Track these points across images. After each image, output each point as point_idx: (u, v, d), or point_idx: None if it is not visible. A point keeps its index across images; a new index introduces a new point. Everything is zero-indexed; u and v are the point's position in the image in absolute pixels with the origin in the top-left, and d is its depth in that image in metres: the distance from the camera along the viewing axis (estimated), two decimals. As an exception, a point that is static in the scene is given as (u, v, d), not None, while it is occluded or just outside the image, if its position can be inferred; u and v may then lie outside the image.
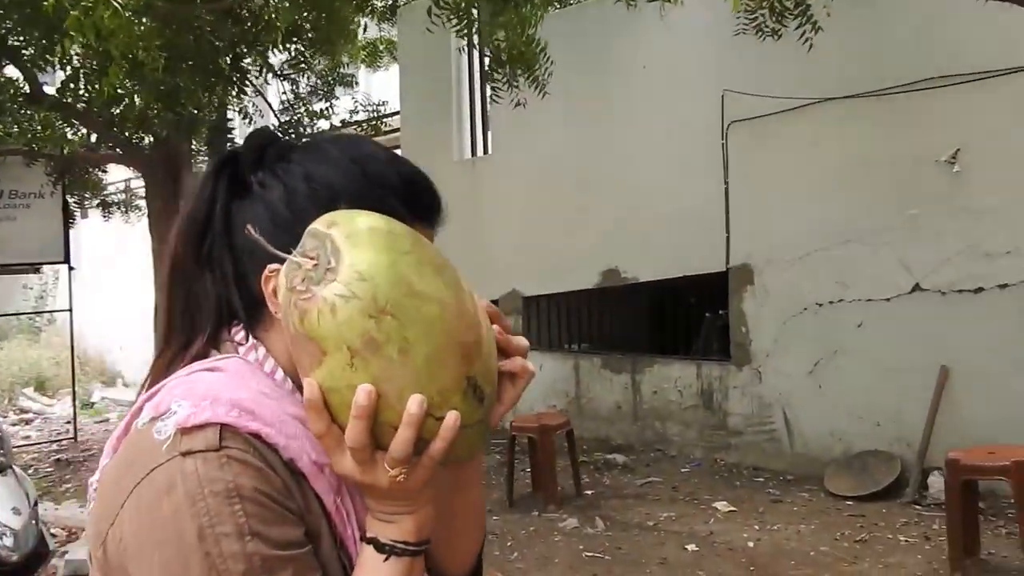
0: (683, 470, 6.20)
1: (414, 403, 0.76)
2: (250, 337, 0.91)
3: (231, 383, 0.85)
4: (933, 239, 5.17)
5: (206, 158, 8.04)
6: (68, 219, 8.52)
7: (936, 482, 5.03)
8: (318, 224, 0.80)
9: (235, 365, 0.89)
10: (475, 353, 0.81)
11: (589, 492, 5.78)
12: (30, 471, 6.78)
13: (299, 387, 0.85)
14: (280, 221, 0.90)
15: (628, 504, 5.51)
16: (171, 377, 0.88)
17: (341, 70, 8.49)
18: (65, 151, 7.49)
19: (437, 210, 0.96)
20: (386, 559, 0.84)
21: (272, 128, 1.36)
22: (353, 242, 0.78)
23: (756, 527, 4.87)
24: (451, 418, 0.78)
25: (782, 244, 5.84)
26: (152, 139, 7.12)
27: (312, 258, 0.78)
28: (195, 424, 0.80)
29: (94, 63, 5.59)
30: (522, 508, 5.50)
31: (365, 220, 0.81)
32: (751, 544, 4.62)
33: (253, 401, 0.83)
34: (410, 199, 0.93)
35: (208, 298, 0.93)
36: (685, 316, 7.62)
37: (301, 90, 8.13)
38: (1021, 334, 4.84)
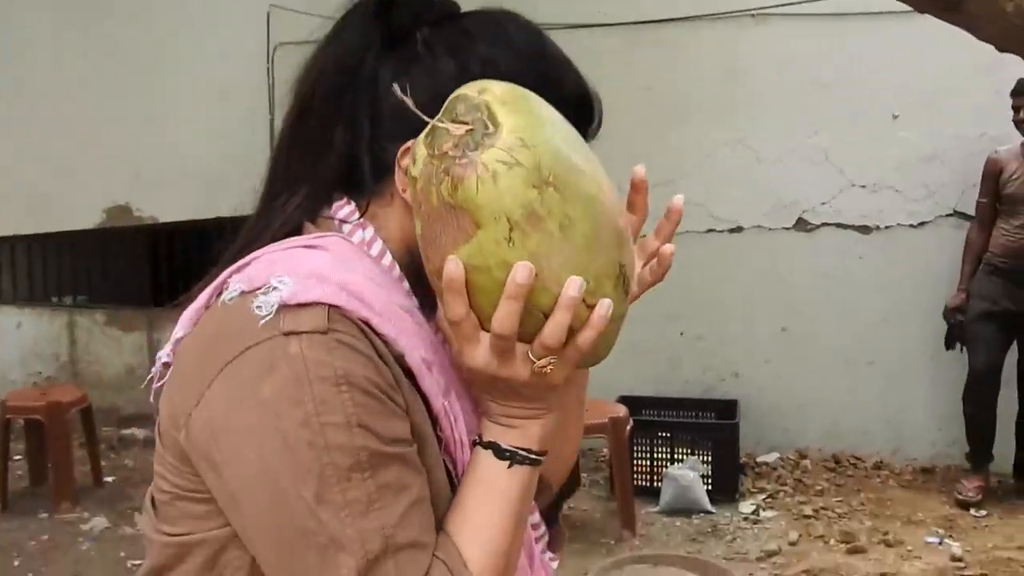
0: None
1: (573, 285, 0.71)
2: (358, 215, 0.84)
3: (337, 264, 0.77)
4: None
5: None
6: None
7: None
8: (467, 89, 0.74)
9: (338, 245, 0.81)
10: (624, 239, 0.78)
11: (110, 480, 4.67)
12: None
13: (411, 274, 0.82)
14: (441, 101, 0.75)
15: (168, 490, 4.55)
16: (262, 250, 0.80)
17: None
18: None
19: (594, 133, 0.90)
20: (509, 466, 0.79)
21: None
22: (511, 108, 0.73)
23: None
24: (604, 306, 0.73)
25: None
26: None
27: (466, 122, 0.72)
28: (301, 302, 0.73)
29: None
30: (22, 511, 4.23)
31: (518, 89, 0.75)
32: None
33: (362, 286, 0.76)
34: (578, 114, 0.83)
35: (329, 158, 0.83)
36: (214, 264, 6.64)
37: None
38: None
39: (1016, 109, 4.03)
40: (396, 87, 0.74)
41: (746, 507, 4.16)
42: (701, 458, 4.25)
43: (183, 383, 0.77)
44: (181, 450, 0.77)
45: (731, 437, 4.28)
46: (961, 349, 4.25)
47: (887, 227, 4.58)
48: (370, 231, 0.83)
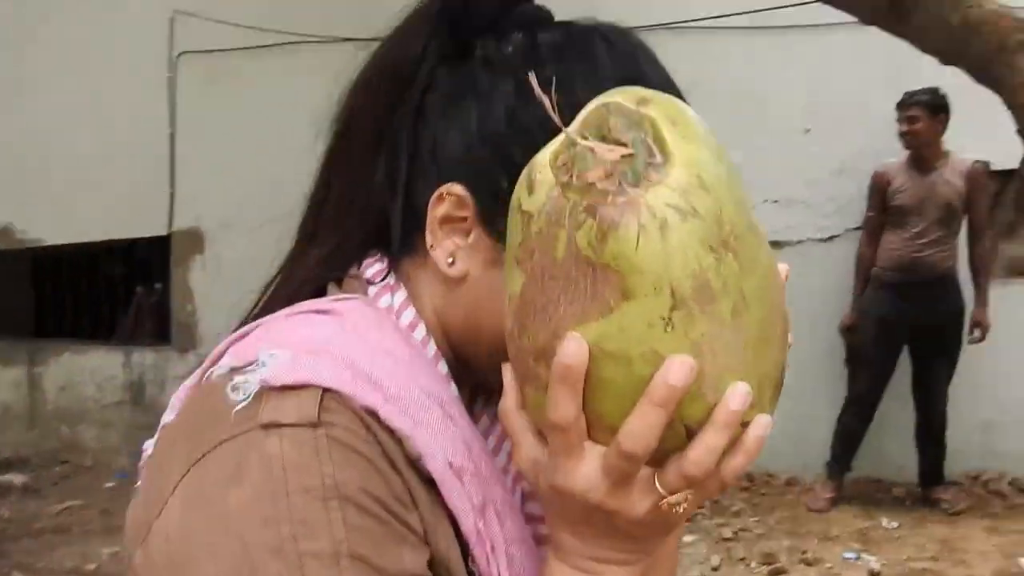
0: (108, 485, 4.92)
1: (738, 394, 0.51)
2: (391, 275, 0.66)
3: (346, 334, 0.60)
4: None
5: None
6: None
7: None
8: (620, 97, 0.52)
9: (356, 309, 0.63)
10: (788, 329, 0.57)
11: (-18, 533, 4.26)
12: None
13: (456, 353, 0.66)
14: (509, 128, 0.62)
15: (49, 543, 4.14)
16: (271, 316, 0.63)
17: None
18: None
19: None
20: None
21: None
22: (683, 132, 0.51)
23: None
24: (762, 425, 0.53)
25: (243, 205, 4.96)
26: None
27: (623, 144, 0.50)
28: (287, 384, 0.54)
29: None
30: None
31: (684, 106, 0.55)
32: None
33: (374, 363, 0.58)
34: None
35: (365, 201, 0.66)
36: (108, 291, 6.15)
37: None
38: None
39: (900, 122, 4.14)
40: (531, 76, 0.54)
41: (667, 530, 4.11)
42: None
43: (149, 487, 0.59)
44: (144, 573, 0.57)
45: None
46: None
47: (799, 241, 4.63)
48: (401, 295, 0.66)
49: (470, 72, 0.66)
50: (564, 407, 0.52)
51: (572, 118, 0.54)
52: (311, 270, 0.67)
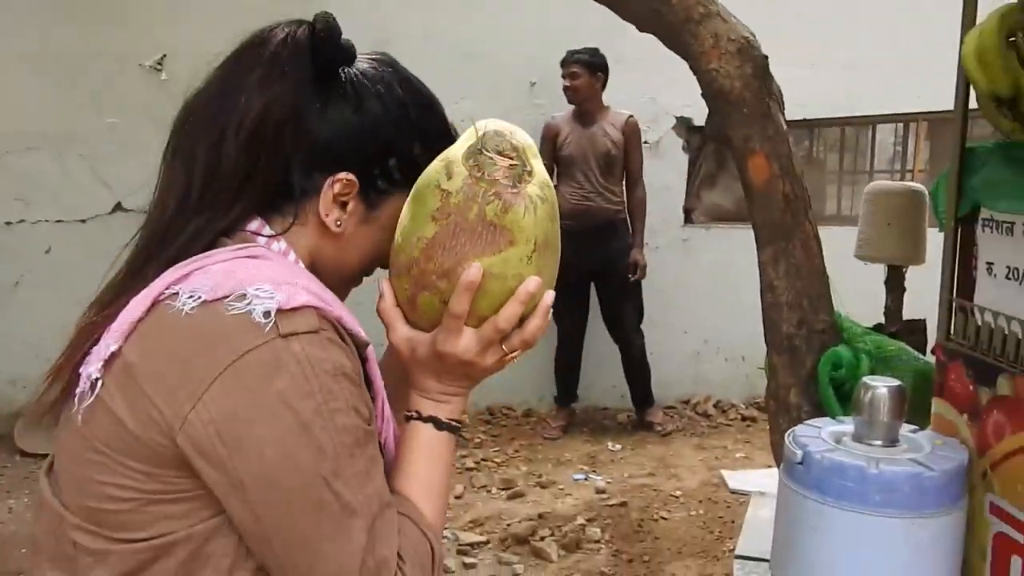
0: None
1: (549, 295, 0.94)
2: (268, 229, 0.93)
3: (288, 273, 0.87)
4: (137, 153, 4.67)
5: None
6: None
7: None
8: (500, 127, 0.91)
9: (267, 253, 0.91)
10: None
11: None
12: None
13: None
14: (370, 137, 0.95)
15: None
16: (196, 262, 0.86)
17: None
18: None
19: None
20: (446, 435, 0.97)
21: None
22: (532, 154, 0.92)
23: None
24: (548, 298, 0.95)
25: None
26: None
27: (511, 158, 0.89)
28: (294, 306, 0.82)
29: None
30: None
31: (523, 133, 0.94)
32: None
33: (320, 290, 0.88)
34: (450, 140, 0.97)
35: (256, 183, 0.92)
36: None
37: None
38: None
39: (564, 77, 4.46)
40: (474, 121, 0.91)
41: (413, 467, 4.26)
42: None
43: (160, 393, 0.81)
44: (158, 454, 0.81)
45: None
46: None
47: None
48: (283, 243, 0.93)
49: (341, 92, 0.95)
50: (461, 304, 0.89)
51: (410, 119, 0.99)
52: (196, 233, 0.89)
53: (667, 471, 4.29)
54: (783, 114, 2.16)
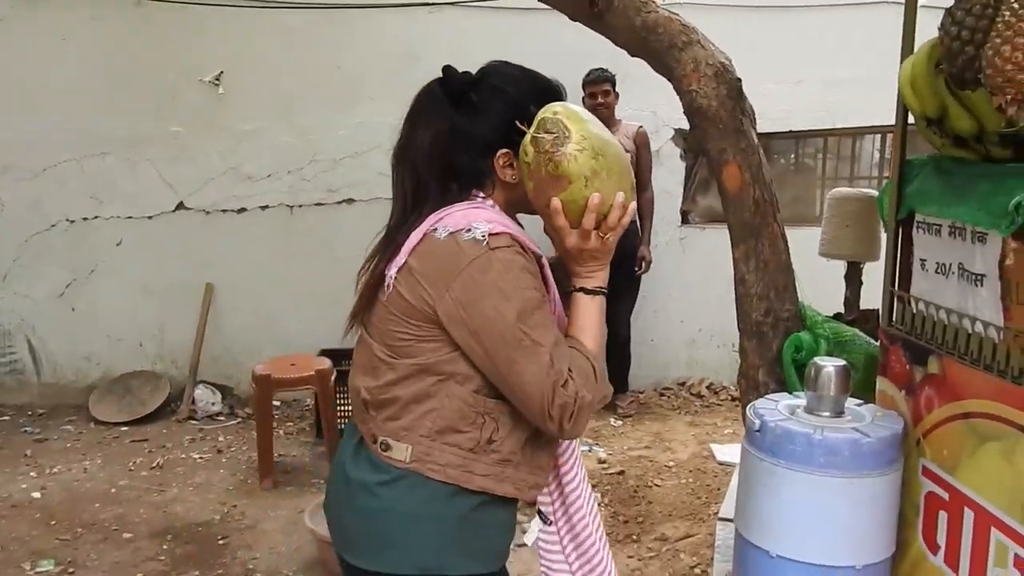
0: None
1: (620, 196, 1.37)
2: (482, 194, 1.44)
3: (495, 215, 1.38)
4: (197, 158, 4.80)
5: None
6: None
7: (203, 395, 4.79)
8: (545, 113, 1.34)
9: (484, 206, 1.41)
10: (630, 168, 1.44)
11: None
12: None
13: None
14: (500, 122, 1.41)
15: None
16: (449, 209, 1.38)
17: None
18: None
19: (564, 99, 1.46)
20: (594, 298, 1.44)
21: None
22: (571, 120, 1.33)
23: (34, 474, 3.89)
24: (620, 209, 1.39)
25: (23, 151, 4.64)
26: None
27: (553, 132, 1.31)
28: (496, 232, 1.33)
29: None
30: None
31: (569, 107, 1.36)
32: (38, 495, 3.66)
33: (511, 225, 1.39)
34: (559, 98, 1.46)
35: (459, 175, 1.42)
36: None
37: None
38: (279, 252, 4.90)
39: (591, 96, 4.46)
40: (518, 123, 1.38)
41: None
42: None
43: (429, 283, 1.34)
44: (427, 316, 1.34)
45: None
46: None
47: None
48: (490, 200, 1.43)
49: (472, 107, 1.41)
50: (560, 220, 1.36)
51: (523, 117, 1.39)
52: (454, 196, 1.40)
53: (662, 444, 4.36)
54: (754, 129, 2.23)
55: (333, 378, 3.90)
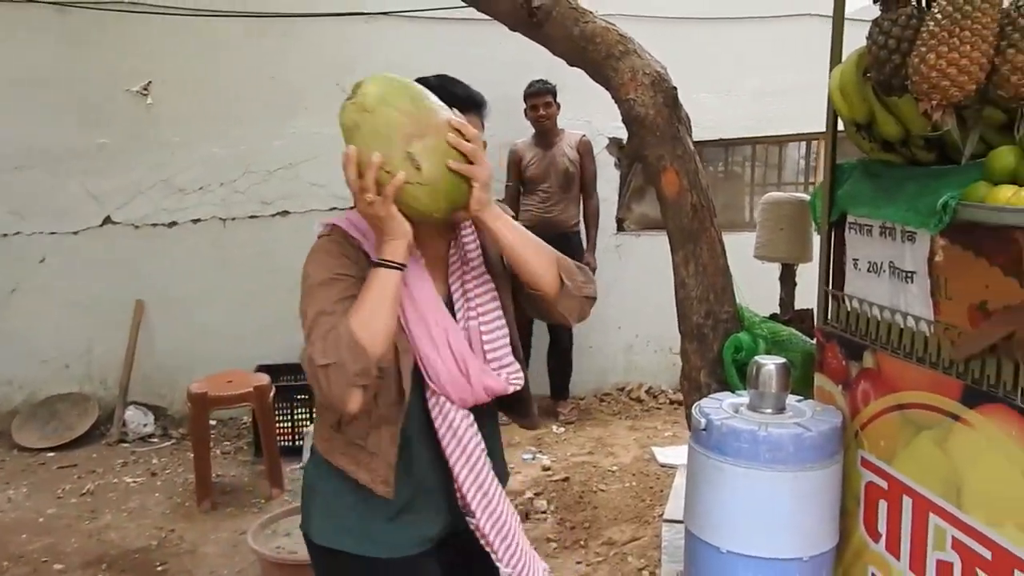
0: None
1: (375, 157, 1.29)
2: None
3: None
4: (125, 171, 4.66)
5: None
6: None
7: (135, 416, 4.64)
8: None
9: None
10: (415, 139, 1.31)
11: None
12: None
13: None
14: None
15: None
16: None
17: None
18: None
19: (472, 102, 1.54)
20: (376, 271, 1.35)
21: None
22: (374, 82, 1.33)
23: (-48, 505, 3.72)
24: (399, 177, 1.30)
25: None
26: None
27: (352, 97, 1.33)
28: (328, 226, 1.48)
29: None
30: None
31: (395, 77, 1.37)
32: (-40, 527, 3.50)
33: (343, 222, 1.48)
34: (467, 103, 1.51)
35: None
36: None
37: None
38: (212, 266, 4.79)
39: (533, 108, 4.53)
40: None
41: (379, 451, 4.32)
42: (337, 413, 4.33)
43: None
44: None
45: (363, 392, 4.39)
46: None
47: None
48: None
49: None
50: (346, 168, 1.32)
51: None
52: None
53: (604, 449, 4.40)
54: (690, 136, 2.29)
55: (272, 394, 3.83)
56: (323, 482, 1.49)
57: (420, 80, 1.43)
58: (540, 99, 4.54)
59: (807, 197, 2.45)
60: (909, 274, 1.51)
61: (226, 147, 4.71)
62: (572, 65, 2.36)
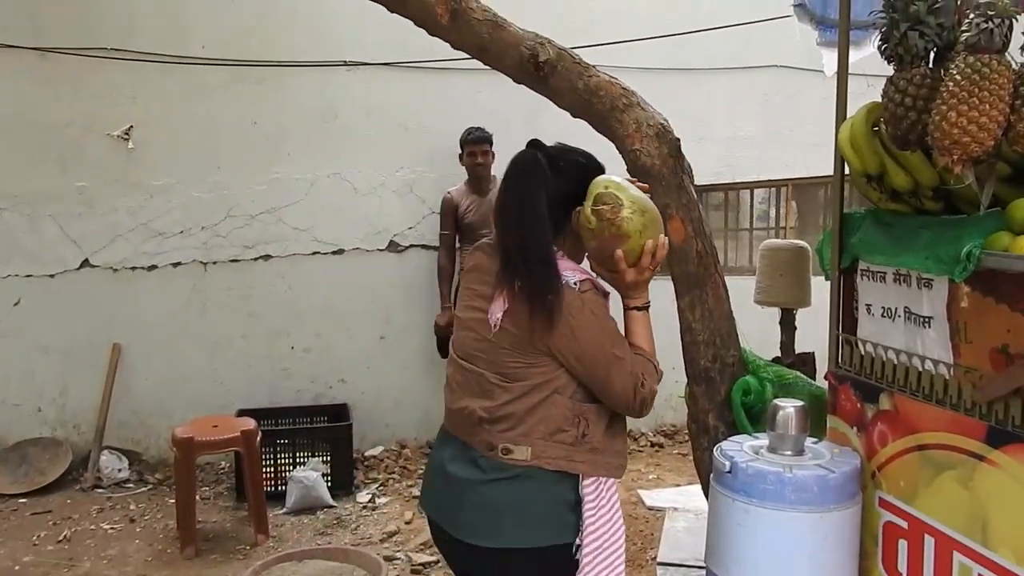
0: None
1: (663, 239, 1.73)
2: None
3: (572, 264, 1.75)
4: (104, 214, 4.59)
5: None
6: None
7: (109, 462, 4.50)
8: (599, 188, 1.69)
9: (562, 256, 1.75)
10: (660, 216, 1.77)
11: None
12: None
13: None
14: (572, 190, 1.74)
15: None
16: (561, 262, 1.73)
17: None
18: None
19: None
20: (643, 312, 1.79)
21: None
22: (619, 191, 1.68)
23: (-76, 560, 3.54)
24: (663, 247, 1.72)
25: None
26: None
27: (609, 203, 1.67)
28: (583, 279, 1.69)
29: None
30: None
31: (611, 179, 1.72)
32: (-68, 583, 3.34)
33: (590, 273, 1.74)
34: (601, 168, 1.83)
35: (557, 220, 1.74)
36: None
37: None
38: (192, 310, 4.71)
39: (471, 155, 4.50)
40: (579, 209, 1.73)
41: (363, 497, 4.24)
42: (321, 458, 4.25)
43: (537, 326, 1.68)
44: (536, 349, 1.68)
45: (346, 437, 4.32)
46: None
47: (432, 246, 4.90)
48: (560, 251, 1.76)
49: (558, 171, 1.73)
50: (623, 265, 1.70)
51: (585, 182, 1.73)
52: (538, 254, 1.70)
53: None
54: (693, 185, 2.35)
55: (259, 439, 3.76)
56: (537, 494, 1.69)
57: (533, 144, 1.78)
58: (479, 147, 4.53)
59: (804, 244, 2.52)
60: (926, 319, 1.56)
61: (208, 191, 4.67)
62: (576, 116, 2.41)
